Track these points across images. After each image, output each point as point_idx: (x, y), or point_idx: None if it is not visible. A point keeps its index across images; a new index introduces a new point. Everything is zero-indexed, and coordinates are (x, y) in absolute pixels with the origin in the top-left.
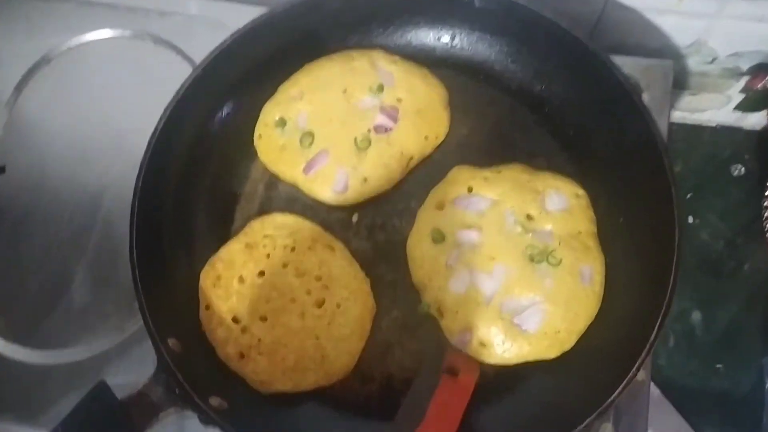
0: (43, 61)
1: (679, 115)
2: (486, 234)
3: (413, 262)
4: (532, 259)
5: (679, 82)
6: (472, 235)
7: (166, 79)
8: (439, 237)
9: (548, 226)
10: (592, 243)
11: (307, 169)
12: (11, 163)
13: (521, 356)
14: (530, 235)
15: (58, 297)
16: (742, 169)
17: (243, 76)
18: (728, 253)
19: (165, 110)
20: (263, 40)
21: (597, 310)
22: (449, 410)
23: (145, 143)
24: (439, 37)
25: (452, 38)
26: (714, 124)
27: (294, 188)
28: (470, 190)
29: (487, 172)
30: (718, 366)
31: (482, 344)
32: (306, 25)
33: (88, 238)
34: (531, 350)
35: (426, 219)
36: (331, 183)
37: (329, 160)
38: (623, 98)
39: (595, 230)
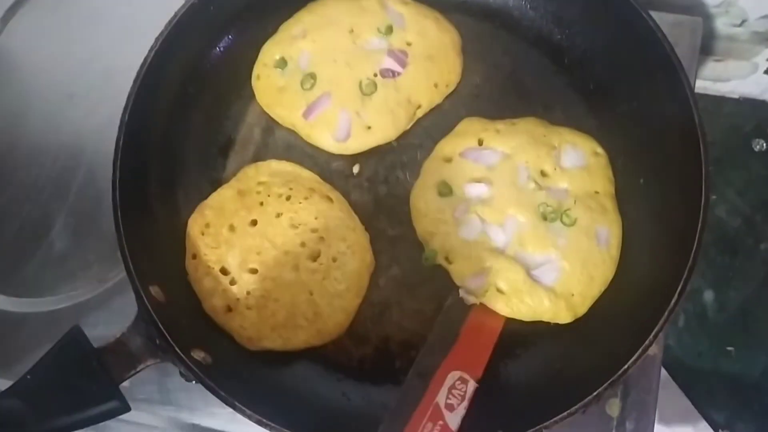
0: None
1: (701, 85)
2: (496, 188)
3: (417, 213)
4: (545, 217)
5: (705, 47)
6: (480, 189)
7: (159, 15)
8: (446, 190)
9: (563, 184)
10: (610, 204)
11: (308, 113)
12: None
13: (537, 312)
14: (544, 192)
15: (37, 242)
16: (764, 145)
17: (243, 10)
18: (745, 231)
19: (157, 39)
20: None
21: (612, 275)
22: (483, 333)
23: None
24: None
25: None
26: (737, 96)
27: (292, 134)
28: (481, 142)
29: (499, 124)
30: (729, 348)
31: (499, 290)
32: None
33: (71, 182)
34: (548, 307)
35: (432, 171)
36: (333, 129)
37: (331, 105)
38: (654, 49)
39: (614, 191)
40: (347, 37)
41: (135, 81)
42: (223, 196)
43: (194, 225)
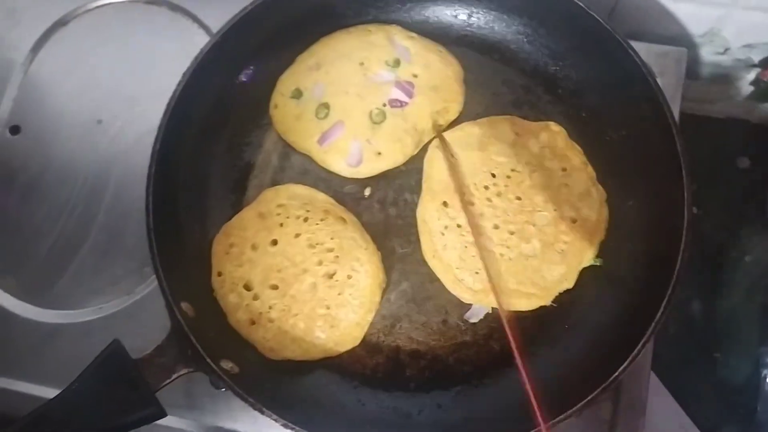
0: (60, 23)
1: (688, 106)
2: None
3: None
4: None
5: (691, 72)
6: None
7: (181, 46)
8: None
9: None
10: None
11: (322, 140)
12: (26, 124)
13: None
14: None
15: (69, 258)
16: (748, 162)
17: (261, 45)
18: (731, 245)
19: (184, 74)
20: (281, 10)
21: None
22: None
23: (159, 109)
24: (456, 15)
25: (469, 16)
26: (723, 116)
27: (307, 159)
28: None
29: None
30: (716, 355)
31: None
32: None
33: (100, 202)
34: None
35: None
36: (345, 155)
37: (344, 133)
38: (639, 81)
39: None
40: (358, 70)
41: (165, 113)
42: (245, 217)
43: (219, 245)
